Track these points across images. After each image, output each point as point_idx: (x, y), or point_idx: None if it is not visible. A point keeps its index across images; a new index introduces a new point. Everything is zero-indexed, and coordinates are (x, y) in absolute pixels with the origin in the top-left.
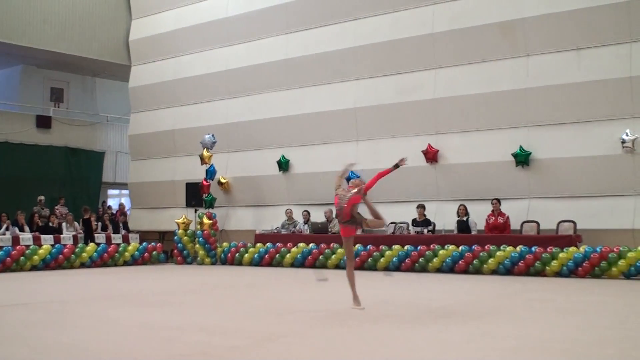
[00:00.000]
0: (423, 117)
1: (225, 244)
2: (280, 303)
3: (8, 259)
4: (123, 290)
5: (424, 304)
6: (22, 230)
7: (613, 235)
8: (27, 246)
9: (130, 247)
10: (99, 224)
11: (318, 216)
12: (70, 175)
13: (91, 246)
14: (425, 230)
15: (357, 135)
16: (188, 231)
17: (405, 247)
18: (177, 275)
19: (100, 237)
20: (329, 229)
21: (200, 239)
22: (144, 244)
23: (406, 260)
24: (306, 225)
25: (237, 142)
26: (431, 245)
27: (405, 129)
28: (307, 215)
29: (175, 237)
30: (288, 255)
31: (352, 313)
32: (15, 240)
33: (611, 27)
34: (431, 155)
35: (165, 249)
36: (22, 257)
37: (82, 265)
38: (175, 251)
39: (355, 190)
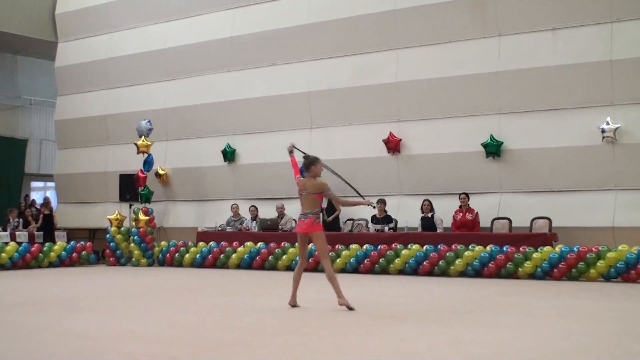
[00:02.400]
0: (384, 102)
1: (163, 243)
2: (225, 308)
3: None
4: (48, 294)
5: (382, 308)
6: None
7: (591, 234)
8: None
9: (56, 247)
10: (20, 220)
11: (267, 212)
12: None
13: (11, 246)
14: (386, 228)
15: (311, 122)
16: (122, 228)
17: (364, 247)
18: (110, 277)
19: (22, 235)
20: (280, 226)
21: (136, 237)
22: (72, 243)
23: (365, 260)
24: (254, 222)
25: (176, 129)
26: (393, 245)
27: (364, 116)
28: (255, 210)
29: (108, 236)
30: (234, 256)
31: (303, 319)
32: None
33: (591, 6)
34: (393, 145)
35: (96, 248)
36: None
37: (1, 268)
38: (108, 251)
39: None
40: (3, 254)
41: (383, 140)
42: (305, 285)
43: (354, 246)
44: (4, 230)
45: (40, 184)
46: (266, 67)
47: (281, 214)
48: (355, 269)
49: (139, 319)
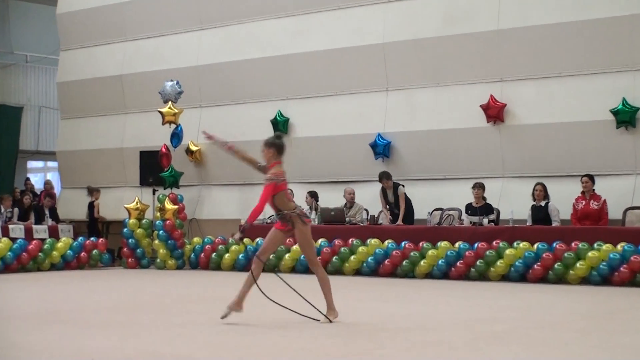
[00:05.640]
0: (482, 56)
1: (196, 239)
2: (274, 325)
3: None
4: (49, 305)
5: (480, 324)
6: None
7: None
8: None
9: (60, 244)
10: (15, 210)
11: (331, 199)
12: None
13: (3, 243)
14: (486, 221)
15: (387, 82)
16: (143, 221)
17: (457, 245)
18: (128, 283)
19: (16, 229)
20: (348, 218)
21: (161, 232)
22: (80, 239)
23: (457, 263)
24: (313, 212)
25: (212, 93)
26: (494, 242)
27: (456, 74)
28: (313, 198)
29: (125, 230)
30: (287, 256)
31: (367, 337)
32: None
33: None
34: (494, 112)
35: (110, 246)
36: None
37: None
38: (125, 250)
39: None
40: None
41: (481, 106)
42: (363, 292)
43: (443, 244)
44: None
45: (39, 163)
46: (328, 11)
47: (350, 202)
48: (445, 274)
49: (165, 337)
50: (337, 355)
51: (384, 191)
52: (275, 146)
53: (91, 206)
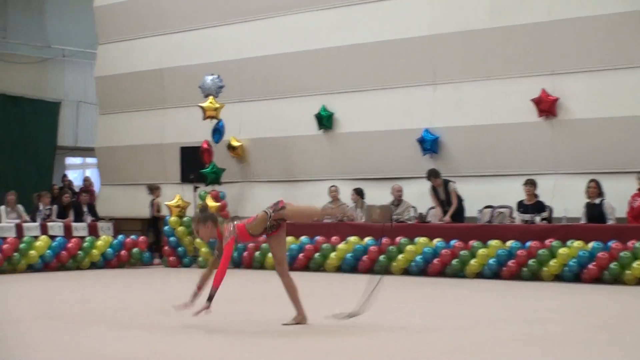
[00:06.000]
0: (533, 49)
1: None
2: (323, 329)
3: None
4: (89, 304)
5: (531, 326)
6: None
7: None
8: None
9: (100, 242)
10: (53, 207)
11: (378, 196)
12: (10, 136)
13: (43, 241)
14: (538, 219)
15: (435, 76)
16: (184, 218)
17: (508, 243)
18: (169, 282)
19: (55, 227)
20: (395, 216)
21: None
22: (120, 237)
23: (509, 262)
24: (359, 210)
25: (255, 87)
26: (546, 241)
27: (506, 67)
28: (359, 195)
29: (166, 228)
30: (333, 255)
31: (431, 339)
32: None
33: None
34: (546, 106)
35: (151, 244)
36: None
37: (30, 268)
38: (166, 248)
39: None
40: (32, 252)
41: (532, 100)
42: (410, 293)
43: (494, 242)
44: (33, 220)
45: (77, 160)
46: (374, 2)
47: (398, 200)
48: (496, 273)
49: (208, 339)
50: (380, 356)
51: (434, 189)
52: (210, 218)
53: (152, 204)
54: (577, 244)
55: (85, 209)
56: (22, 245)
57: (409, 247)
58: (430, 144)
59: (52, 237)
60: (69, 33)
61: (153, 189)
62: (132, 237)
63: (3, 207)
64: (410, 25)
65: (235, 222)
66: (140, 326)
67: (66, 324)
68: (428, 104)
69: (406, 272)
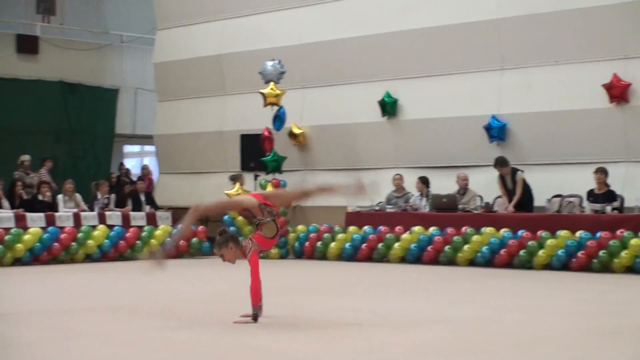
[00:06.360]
0: (604, 32)
1: (300, 227)
2: (392, 319)
3: None
4: (145, 296)
5: (598, 318)
6: None
7: None
8: (7, 229)
9: (158, 232)
10: (111, 196)
11: (443, 185)
12: (68, 123)
13: (100, 230)
14: (609, 208)
15: (502, 61)
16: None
17: (577, 234)
18: (228, 273)
19: (113, 216)
20: (461, 206)
21: None
22: (179, 226)
23: (578, 253)
24: (424, 199)
25: (317, 73)
26: (618, 232)
27: (575, 51)
28: (424, 184)
29: (226, 217)
30: (397, 245)
31: (488, 333)
32: None
33: None
34: (618, 92)
35: (210, 234)
36: None
37: (88, 258)
38: None
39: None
40: (90, 241)
41: (603, 86)
42: (476, 284)
43: (562, 233)
44: (91, 209)
45: (135, 148)
46: None
47: (463, 188)
48: (565, 265)
49: (264, 331)
50: (447, 351)
51: (502, 178)
52: (231, 239)
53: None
54: None
55: (143, 198)
56: (79, 235)
57: (475, 238)
58: (497, 131)
59: (110, 227)
60: (127, 19)
61: (235, 179)
62: (192, 226)
63: (61, 196)
64: (477, 9)
65: (249, 237)
66: (192, 318)
67: (124, 315)
68: (495, 89)
69: (472, 263)
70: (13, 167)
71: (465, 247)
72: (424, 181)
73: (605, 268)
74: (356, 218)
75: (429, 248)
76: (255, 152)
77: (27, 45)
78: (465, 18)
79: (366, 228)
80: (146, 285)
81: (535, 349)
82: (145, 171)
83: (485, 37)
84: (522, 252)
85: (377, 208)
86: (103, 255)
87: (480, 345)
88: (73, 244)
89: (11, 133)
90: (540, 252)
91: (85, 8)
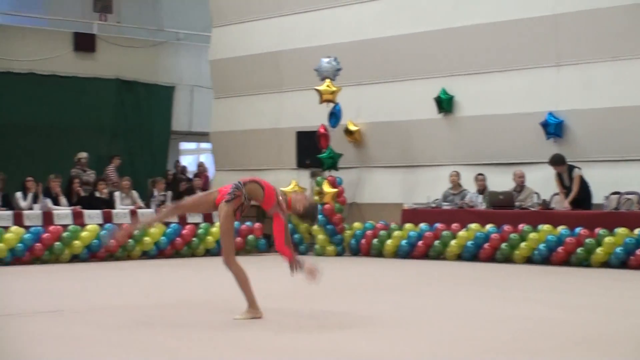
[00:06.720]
0: None
1: (356, 224)
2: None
3: (38, 244)
4: (204, 293)
5: None
6: (56, 202)
7: None
8: (65, 226)
9: (214, 229)
10: (168, 193)
11: (500, 182)
12: (125, 120)
13: (157, 227)
14: None
15: (558, 56)
16: None
17: (636, 231)
18: (284, 270)
19: None
20: (518, 203)
21: (320, 216)
22: (235, 224)
23: (637, 251)
24: (481, 196)
25: (372, 70)
26: None
27: (635, 48)
28: (482, 180)
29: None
30: (453, 242)
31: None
32: (48, 218)
33: None
34: None
35: (266, 231)
36: (57, 243)
37: (145, 255)
38: None
39: None
40: (147, 238)
41: None
42: (533, 282)
43: (620, 230)
44: (147, 206)
45: (191, 145)
46: None
47: (520, 186)
48: (623, 262)
49: (341, 332)
50: (504, 351)
51: (559, 175)
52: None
53: None
54: None
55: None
56: (136, 232)
57: (532, 235)
58: (554, 128)
59: (167, 224)
60: (182, 16)
61: (316, 175)
62: (247, 223)
63: (118, 193)
64: (533, 4)
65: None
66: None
67: (184, 312)
68: (552, 86)
69: (529, 260)
70: (70, 164)
71: (522, 244)
72: (481, 178)
73: None
74: (412, 215)
75: (486, 245)
76: (311, 149)
77: (84, 43)
78: (522, 14)
79: (422, 225)
80: (204, 282)
81: (606, 348)
82: (201, 168)
83: (542, 33)
84: (579, 250)
85: (433, 205)
86: (159, 252)
87: (548, 344)
88: (129, 240)
89: (68, 131)
90: (598, 250)
91: (142, 6)
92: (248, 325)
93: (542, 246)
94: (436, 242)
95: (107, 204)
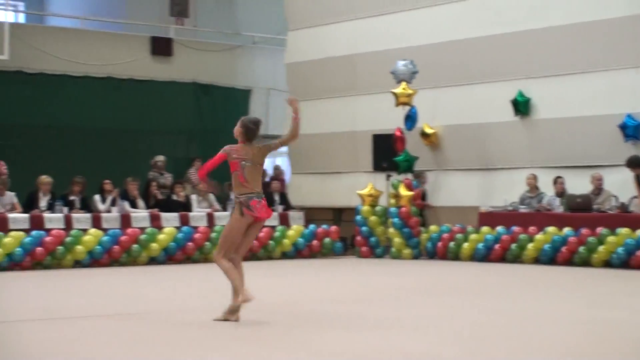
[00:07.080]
0: None
1: (433, 227)
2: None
3: (116, 247)
4: (282, 296)
5: None
6: (134, 205)
7: None
8: (142, 229)
9: (291, 232)
10: None
11: (578, 185)
12: (201, 124)
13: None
14: None
15: (636, 58)
16: (377, 208)
17: None
18: (362, 273)
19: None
20: (596, 206)
21: (396, 219)
22: (312, 226)
23: None
24: (559, 199)
25: (449, 73)
26: None
27: None
28: (560, 184)
29: (358, 217)
30: (530, 246)
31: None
32: (125, 221)
33: None
34: None
35: (342, 234)
36: (135, 245)
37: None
38: (358, 238)
39: None
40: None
41: None
42: (612, 286)
43: None
44: (224, 209)
45: None
46: None
47: (598, 189)
48: None
49: (412, 333)
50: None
51: (637, 177)
52: (244, 127)
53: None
54: None
55: (276, 198)
56: (213, 235)
57: (610, 238)
58: (632, 130)
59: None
60: (258, 20)
61: (419, 176)
62: (324, 226)
63: (194, 196)
64: (611, 6)
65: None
66: (328, 317)
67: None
68: (630, 88)
69: (607, 264)
70: (147, 167)
71: (600, 248)
72: (560, 181)
73: None
74: (489, 218)
75: (563, 249)
76: (387, 152)
77: (162, 47)
78: (600, 15)
79: (499, 228)
80: (280, 285)
81: None
82: (277, 171)
83: (619, 34)
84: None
85: (510, 208)
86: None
87: (632, 348)
88: (207, 243)
89: (145, 134)
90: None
91: (218, 10)
92: (322, 326)
93: (620, 250)
94: (513, 246)
95: (184, 207)
